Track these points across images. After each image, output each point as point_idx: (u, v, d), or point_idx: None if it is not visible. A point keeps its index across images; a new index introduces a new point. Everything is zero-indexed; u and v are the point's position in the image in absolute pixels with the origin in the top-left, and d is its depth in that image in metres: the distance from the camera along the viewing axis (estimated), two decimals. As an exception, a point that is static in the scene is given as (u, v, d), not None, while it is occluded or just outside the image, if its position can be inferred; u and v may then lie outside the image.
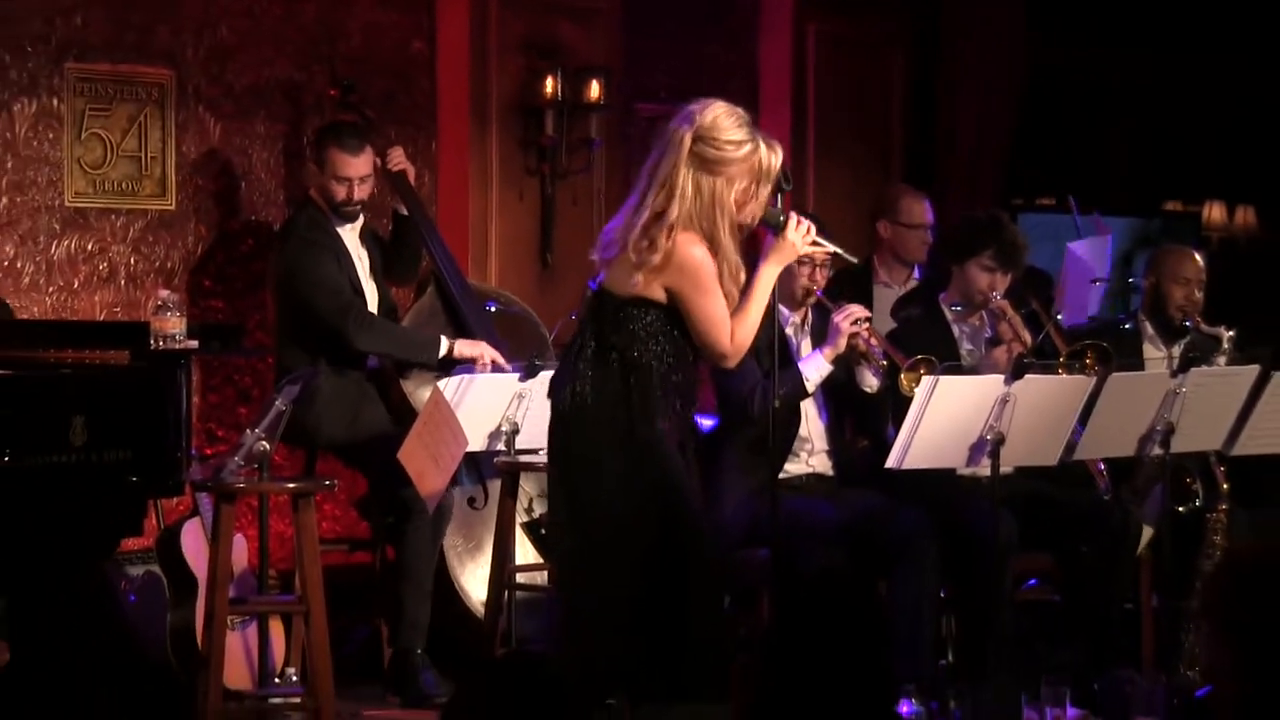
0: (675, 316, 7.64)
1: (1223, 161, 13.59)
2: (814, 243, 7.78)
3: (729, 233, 7.61)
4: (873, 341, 9.16)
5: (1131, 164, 13.86)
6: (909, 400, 8.73)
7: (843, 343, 9.10)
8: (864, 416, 9.50)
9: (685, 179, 7.58)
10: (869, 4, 12.37)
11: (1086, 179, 13.54)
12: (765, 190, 7.65)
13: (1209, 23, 13.43)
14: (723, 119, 7.67)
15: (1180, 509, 9.29)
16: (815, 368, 9.11)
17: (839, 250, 8.20)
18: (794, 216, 7.75)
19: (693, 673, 7.88)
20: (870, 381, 9.24)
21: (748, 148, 7.63)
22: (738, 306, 7.67)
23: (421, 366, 9.69)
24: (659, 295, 7.59)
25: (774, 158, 7.64)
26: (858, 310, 9.20)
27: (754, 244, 7.88)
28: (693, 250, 7.55)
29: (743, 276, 7.69)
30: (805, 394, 9.13)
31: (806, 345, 9.29)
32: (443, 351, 9.64)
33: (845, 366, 9.21)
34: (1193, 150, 13.74)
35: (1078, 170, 13.58)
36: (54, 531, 7.71)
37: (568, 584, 8.02)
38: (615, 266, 7.63)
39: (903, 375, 8.94)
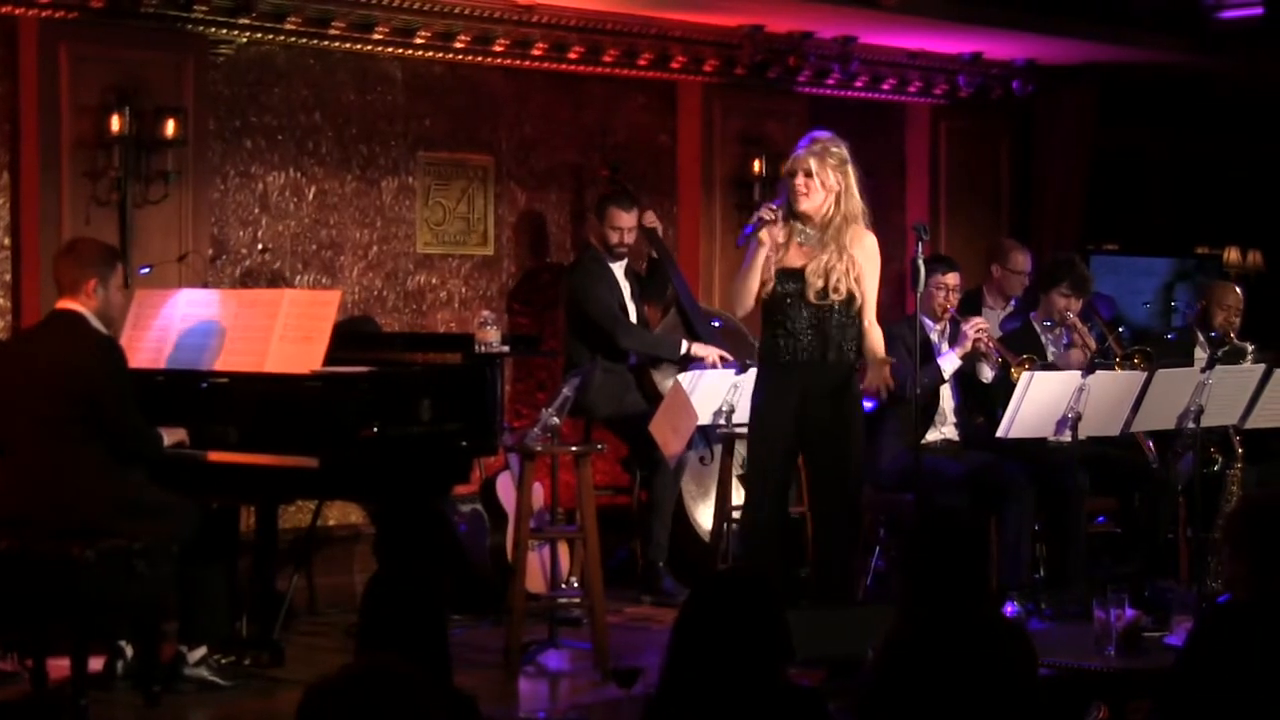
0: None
1: (1238, 215, 13.37)
2: (761, 218, 7.73)
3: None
4: (990, 344, 9.15)
5: (1171, 217, 13.65)
6: (1014, 387, 8.72)
7: (969, 344, 9.14)
8: (981, 401, 9.43)
9: None
10: (983, 108, 12.25)
11: (1138, 228, 13.37)
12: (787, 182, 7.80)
13: (1226, 111, 13.24)
14: None
15: (1205, 470, 9.16)
16: (949, 362, 9.18)
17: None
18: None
19: (817, 580, 7.83)
20: (987, 374, 9.25)
21: None
22: None
23: (667, 361, 9.69)
24: None
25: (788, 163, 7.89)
26: (980, 321, 9.29)
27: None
28: None
29: (784, 257, 7.77)
30: (943, 381, 9.17)
31: (945, 347, 9.25)
32: (683, 351, 9.66)
33: (970, 362, 9.19)
34: (1216, 206, 13.53)
35: (1132, 222, 13.41)
36: (408, 479, 7.74)
37: None
38: None
39: (1013, 369, 8.93)
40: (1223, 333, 9.84)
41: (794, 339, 7.73)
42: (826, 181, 7.72)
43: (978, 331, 9.17)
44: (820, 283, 7.69)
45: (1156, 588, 8.87)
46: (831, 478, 7.80)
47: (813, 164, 7.72)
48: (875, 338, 7.84)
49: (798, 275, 7.71)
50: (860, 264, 7.72)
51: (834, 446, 7.81)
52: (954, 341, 9.26)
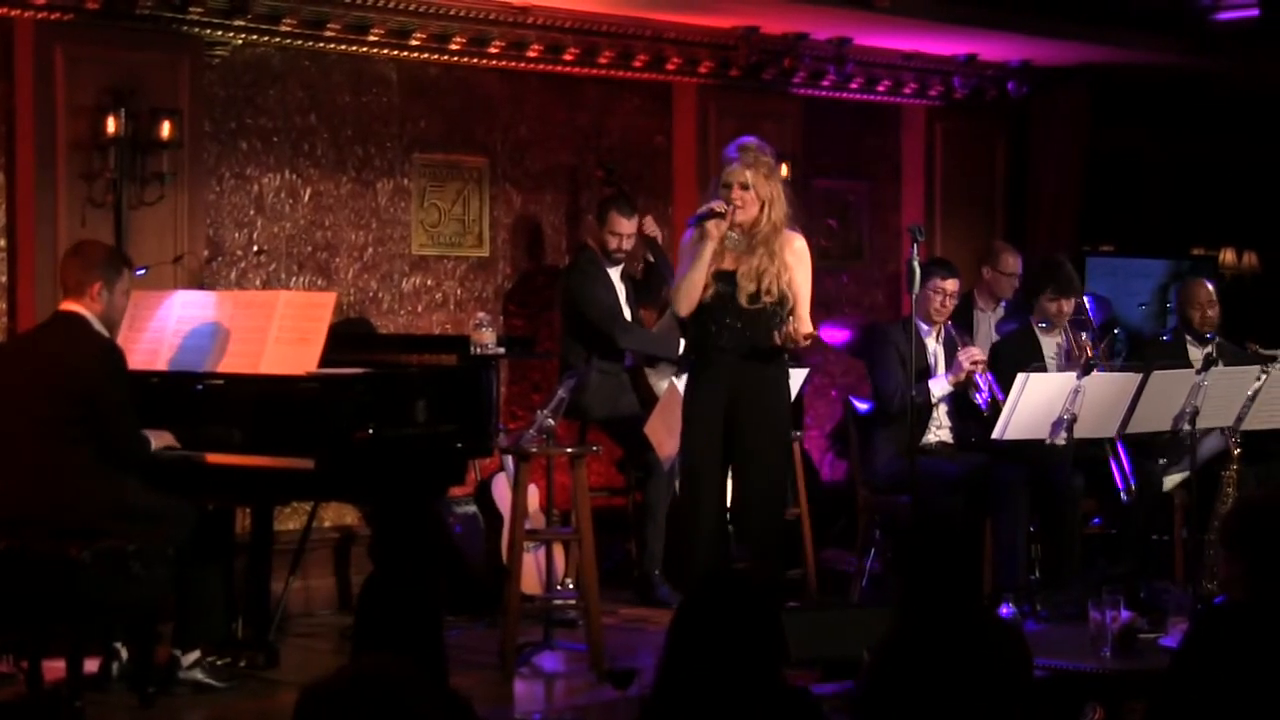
0: None
1: (1235, 216, 13.38)
2: (712, 209, 7.75)
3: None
4: (983, 378, 9.16)
5: (1166, 218, 13.65)
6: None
7: (963, 375, 9.15)
8: (975, 408, 9.42)
9: None
10: (978, 109, 12.25)
11: (1134, 229, 13.37)
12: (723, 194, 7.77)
13: (1223, 113, 13.24)
14: None
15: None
16: (940, 386, 9.30)
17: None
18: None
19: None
20: (977, 399, 9.24)
21: None
22: None
23: (665, 360, 9.69)
24: None
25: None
26: (977, 353, 9.32)
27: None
28: None
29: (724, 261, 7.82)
30: (931, 404, 9.16)
31: (940, 353, 9.28)
32: (681, 349, 9.67)
33: (961, 387, 9.23)
34: (1212, 208, 13.53)
35: (1128, 223, 13.41)
36: (403, 481, 7.74)
37: None
38: None
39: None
40: (1203, 330, 9.85)
41: (723, 340, 7.76)
42: (761, 192, 7.75)
43: (973, 363, 9.20)
44: (752, 286, 7.73)
45: (1152, 589, 8.88)
46: (756, 477, 7.85)
47: (748, 175, 7.75)
48: (804, 328, 7.80)
49: (729, 278, 7.76)
50: (792, 267, 7.79)
51: (761, 445, 7.85)
52: (951, 352, 9.30)
